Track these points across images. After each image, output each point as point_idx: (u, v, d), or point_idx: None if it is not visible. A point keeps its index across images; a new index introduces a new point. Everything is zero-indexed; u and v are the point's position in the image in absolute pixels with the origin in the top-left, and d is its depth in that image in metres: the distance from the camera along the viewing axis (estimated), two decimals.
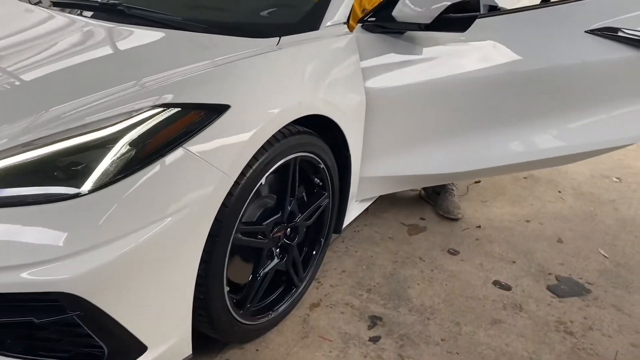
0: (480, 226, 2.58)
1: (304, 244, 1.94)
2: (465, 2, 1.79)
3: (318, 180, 1.87)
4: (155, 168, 1.26)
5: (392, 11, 1.91)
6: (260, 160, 1.51)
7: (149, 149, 1.27)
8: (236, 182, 1.42)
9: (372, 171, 2.16)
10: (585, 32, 2.19)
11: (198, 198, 1.31)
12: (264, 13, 2.00)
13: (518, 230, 2.56)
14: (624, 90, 2.33)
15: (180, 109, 1.33)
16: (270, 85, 1.57)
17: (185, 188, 1.29)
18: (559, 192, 2.96)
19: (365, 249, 2.33)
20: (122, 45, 1.68)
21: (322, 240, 1.98)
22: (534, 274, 2.22)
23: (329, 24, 1.89)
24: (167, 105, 1.33)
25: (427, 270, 2.21)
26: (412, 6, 1.87)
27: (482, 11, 2.83)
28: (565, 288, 2.14)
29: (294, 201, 1.74)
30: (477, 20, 2.08)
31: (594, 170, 3.25)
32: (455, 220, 2.60)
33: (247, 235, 1.59)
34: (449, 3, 1.79)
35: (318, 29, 1.87)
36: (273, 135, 1.54)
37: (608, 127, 2.35)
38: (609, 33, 2.18)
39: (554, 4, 2.25)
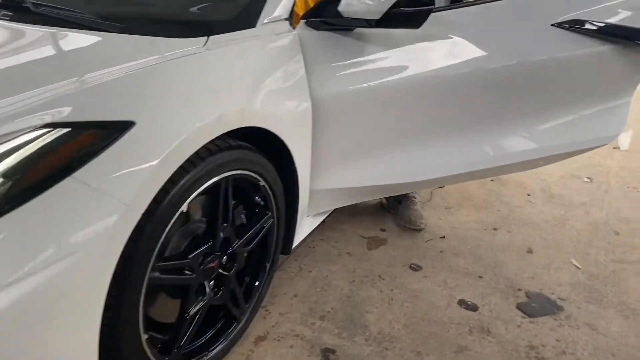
0: (444, 236, 2.39)
1: (246, 272, 1.72)
2: None
3: (259, 200, 1.65)
4: (38, 204, 1.02)
5: (337, 6, 1.70)
6: (180, 184, 1.27)
7: (30, 181, 1.03)
8: (148, 212, 1.19)
9: (325, 183, 1.95)
10: (551, 25, 2.01)
11: (95, 236, 1.07)
12: (191, 8, 1.75)
13: (485, 240, 2.38)
14: (595, 87, 2.16)
15: (70, 129, 1.10)
16: (191, 95, 1.33)
17: (77, 226, 1.05)
18: (528, 195, 2.80)
19: (320, 268, 2.12)
20: (9, 49, 1.42)
21: (268, 266, 1.76)
22: (502, 291, 2.04)
23: (267, 20, 1.66)
24: (54, 125, 1.08)
25: (387, 290, 2.01)
26: (358, 1, 1.66)
27: (443, 3, 2.65)
28: (536, 306, 1.96)
29: (228, 226, 1.52)
30: (434, 15, 1.88)
31: (564, 170, 3.10)
32: (418, 230, 2.41)
33: (169, 272, 1.36)
34: None
35: (255, 27, 1.64)
36: (196, 153, 1.31)
37: (581, 127, 2.19)
38: (576, 26, 2.01)
39: None
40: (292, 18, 1.75)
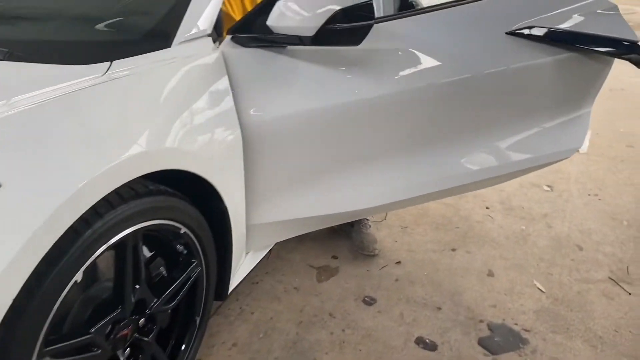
0: (400, 262, 2.22)
1: (172, 330, 1.50)
2: (355, 8, 1.39)
3: (182, 248, 1.43)
4: None
5: (267, 19, 1.49)
6: (71, 251, 1.05)
7: None
8: (26, 289, 0.96)
9: (265, 217, 1.73)
10: (506, 33, 1.85)
11: None
12: (92, 27, 1.51)
13: (443, 264, 2.22)
14: (555, 99, 2.01)
15: None
16: (83, 137, 1.10)
17: None
18: (487, 208, 2.66)
19: (264, 308, 1.91)
20: None
21: (198, 320, 1.55)
22: (462, 324, 1.88)
23: (185, 38, 1.44)
24: None
25: (338, 330, 1.82)
26: (290, 14, 1.45)
27: (392, 11, 2.46)
28: (499, 340, 1.81)
29: (142, 286, 1.29)
30: (377, 27, 1.70)
31: (523, 179, 2.97)
32: (372, 256, 2.23)
33: (66, 355, 1.13)
34: (335, 9, 1.38)
35: (169, 46, 1.41)
36: (93, 208, 1.09)
37: (542, 141, 2.03)
38: (532, 34, 1.85)
39: (467, 1, 1.88)
40: (217, 33, 1.54)
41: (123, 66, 1.28)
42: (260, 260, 1.92)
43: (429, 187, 1.91)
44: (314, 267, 2.15)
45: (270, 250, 2.10)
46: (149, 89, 1.31)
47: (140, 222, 1.22)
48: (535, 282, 2.12)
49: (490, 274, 2.17)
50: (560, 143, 2.07)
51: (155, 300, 1.34)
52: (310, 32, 1.42)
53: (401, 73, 1.74)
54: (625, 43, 1.92)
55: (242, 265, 1.82)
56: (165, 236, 1.38)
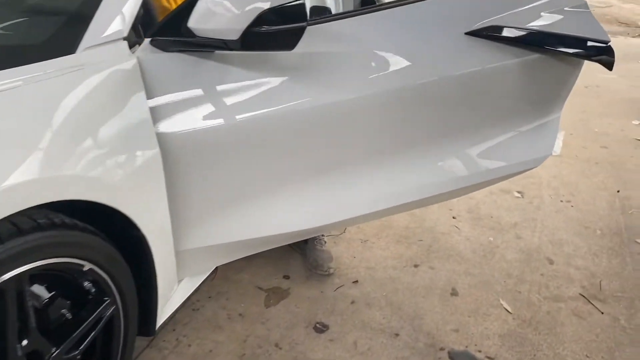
0: (357, 281, 2.05)
1: None
2: (285, 8, 1.20)
3: (89, 285, 1.24)
4: None
5: (188, 21, 1.30)
6: None
7: None
8: None
9: (198, 241, 1.54)
10: (465, 34, 1.68)
11: None
12: None
13: (404, 282, 2.06)
14: (522, 104, 1.85)
15: None
16: None
17: None
18: (454, 218, 2.50)
19: (203, 339, 1.73)
20: None
21: None
22: (421, 352, 1.71)
23: (94, 42, 1.24)
24: None
25: None
26: (213, 15, 1.26)
27: (334, 10, 2.27)
28: None
29: (31, 337, 1.10)
30: (321, 27, 1.53)
31: (493, 185, 2.82)
32: (327, 275, 2.06)
33: None
34: (261, 9, 1.20)
35: (74, 52, 1.22)
36: None
37: (509, 150, 1.87)
38: (494, 34, 1.69)
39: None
40: (136, 36, 1.34)
41: (13, 76, 1.09)
42: (203, 282, 1.74)
43: (383, 203, 1.74)
44: (263, 289, 1.97)
45: (215, 270, 1.93)
46: (44, 103, 1.11)
47: (23, 265, 1.03)
48: (501, 302, 1.97)
49: (454, 292, 2.01)
50: (528, 151, 1.91)
51: (54, 350, 1.15)
52: (235, 35, 1.23)
53: (348, 79, 1.55)
54: (596, 43, 1.77)
55: (176, 293, 1.64)
56: (67, 274, 1.19)
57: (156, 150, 1.30)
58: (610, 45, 1.76)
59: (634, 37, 6.10)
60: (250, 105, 1.42)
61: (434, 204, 2.39)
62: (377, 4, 2.46)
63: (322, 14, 2.19)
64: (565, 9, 1.82)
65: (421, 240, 2.31)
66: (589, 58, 1.78)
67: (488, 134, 1.81)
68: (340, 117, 1.57)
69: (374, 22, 1.62)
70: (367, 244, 2.27)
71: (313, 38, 1.53)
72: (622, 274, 2.16)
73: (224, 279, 2.00)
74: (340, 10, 2.44)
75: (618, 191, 2.76)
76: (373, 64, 1.57)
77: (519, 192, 2.72)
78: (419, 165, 1.77)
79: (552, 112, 1.91)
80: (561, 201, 2.66)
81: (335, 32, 1.58)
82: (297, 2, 1.20)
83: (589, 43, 1.75)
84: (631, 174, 2.94)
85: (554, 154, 3.15)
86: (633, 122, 3.67)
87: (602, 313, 1.94)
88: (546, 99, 1.88)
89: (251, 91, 1.43)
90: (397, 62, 1.59)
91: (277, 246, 1.86)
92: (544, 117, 1.90)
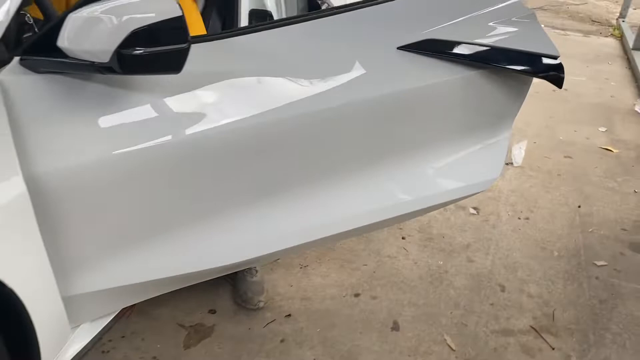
0: (291, 315, 1.87)
1: None
2: (160, 28, 1.01)
3: None
4: None
5: (57, 40, 1.11)
6: None
7: None
8: None
9: (94, 284, 1.35)
10: (398, 48, 1.50)
11: None
12: None
13: (343, 315, 1.89)
14: (464, 125, 1.69)
15: None
16: None
17: None
18: (403, 238, 2.33)
19: None
20: None
21: None
22: None
23: None
24: None
25: None
26: (83, 33, 1.06)
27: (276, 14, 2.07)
28: None
29: None
30: (229, 41, 1.36)
31: None
32: (257, 309, 1.88)
33: None
34: (131, 29, 1.01)
35: None
36: None
37: (452, 173, 1.72)
38: (430, 49, 1.52)
39: (345, 8, 1.52)
40: (7, 52, 1.15)
41: None
42: (118, 319, 1.56)
43: (304, 236, 1.56)
44: (185, 326, 1.79)
45: (132, 306, 1.74)
46: None
47: None
48: (445, 337, 1.81)
49: (395, 326, 1.85)
50: (473, 175, 1.75)
51: None
52: (105, 57, 1.04)
53: (266, 100, 1.38)
54: (544, 59, 1.61)
55: (77, 339, 1.46)
56: None
57: (21, 188, 1.10)
58: (560, 62, 1.60)
59: (606, 36, 5.98)
60: (139, 133, 1.23)
61: (371, 231, 2.22)
62: (300, 13, 2.29)
63: (262, 18, 2.01)
64: (512, 19, 1.66)
65: (365, 265, 2.15)
66: (536, 75, 1.62)
67: (426, 158, 1.65)
68: (256, 142, 1.39)
69: (294, 35, 1.44)
70: (306, 270, 2.10)
71: (221, 53, 1.36)
72: (577, 302, 2.01)
73: (142, 315, 1.81)
74: (283, 15, 2.26)
75: (579, 206, 2.62)
76: (287, 84, 1.39)
77: (474, 208, 2.56)
78: (351, 192, 1.59)
79: (499, 132, 1.75)
80: (519, 218, 2.51)
81: (249, 46, 1.40)
82: (174, 17, 1.01)
83: (537, 58, 1.60)
84: (593, 188, 2.80)
85: (515, 164, 3.00)
86: (599, 128, 3.54)
87: (553, 349, 1.79)
88: (492, 119, 1.72)
89: (140, 117, 1.24)
90: (317, 82, 1.41)
91: (198, 282, 1.68)
92: (490, 137, 1.74)
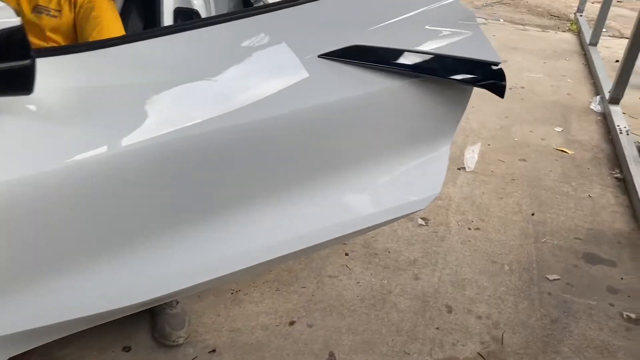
0: (215, 350, 1.69)
1: None
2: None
3: None
4: None
5: None
6: None
7: None
8: None
9: None
10: (319, 56, 1.33)
11: None
12: None
13: (273, 348, 1.72)
14: (397, 140, 1.53)
15: None
16: None
17: None
18: (346, 254, 2.17)
19: None
20: None
21: None
22: None
23: None
24: None
25: None
26: None
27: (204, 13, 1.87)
28: None
29: None
30: (116, 50, 1.17)
31: None
32: (177, 346, 1.70)
33: None
34: None
35: None
36: None
37: (385, 192, 1.56)
38: (356, 56, 1.35)
39: (253, 11, 1.34)
40: None
41: None
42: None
43: (225, 267, 1.38)
44: None
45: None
46: None
47: None
48: None
49: (331, 358, 1.69)
50: (410, 193, 1.59)
51: None
52: None
53: (154, 120, 1.18)
54: (484, 67, 1.46)
55: None
56: None
57: None
58: (501, 68, 1.45)
59: (564, 31, 5.93)
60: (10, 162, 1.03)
61: (300, 258, 2.05)
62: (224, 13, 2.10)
63: (188, 17, 1.82)
64: (448, 21, 1.50)
65: (304, 288, 1.98)
66: (476, 84, 1.47)
67: (357, 176, 1.48)
68: (161, 163, 1.21)
69: (195, 41, 1.25)
70: (238, 295, 1.92)
71: (108, 63, 1.17)
72: (527, 323, 1.89)
73: (44, 356, 1.61)
74: (212, 13, 2.07)
75: (533, 214, 2.50)
76: (187, 99, 1.20)
77: (423, 218, 2.42)
78: (273, 218, 1.42)
79: (439, 146, 1.59)
80: (469, 229, 2.38)
81: (140, 54, 1.20)
82: (11, 28, 0.82)
83: (475, 66, 1.44)
84: (548, 194, 2.69)
85: (467, 170, 2.88)
86: (555, 128, 3.44)
87: None
88: (429, 132, 1.56)
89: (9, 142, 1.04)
90: (223, 96, 1.23)
91: (106, 321, 1.48)
92: (429, 152, 1.58)
